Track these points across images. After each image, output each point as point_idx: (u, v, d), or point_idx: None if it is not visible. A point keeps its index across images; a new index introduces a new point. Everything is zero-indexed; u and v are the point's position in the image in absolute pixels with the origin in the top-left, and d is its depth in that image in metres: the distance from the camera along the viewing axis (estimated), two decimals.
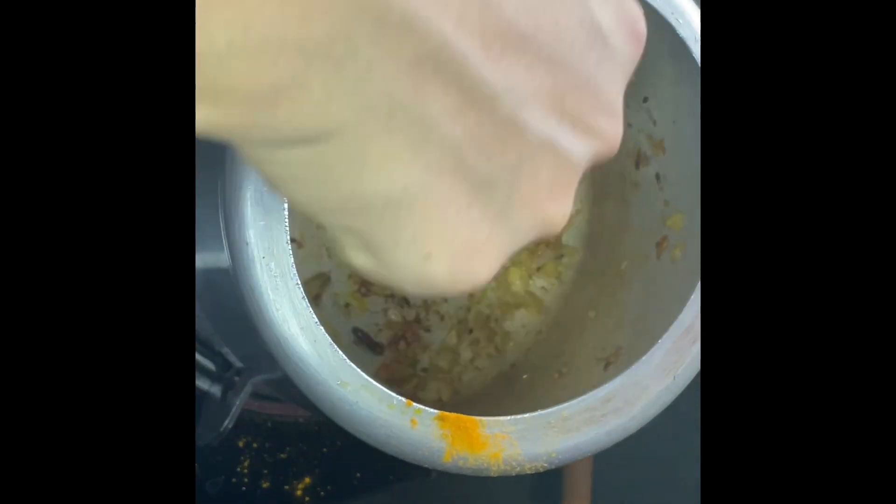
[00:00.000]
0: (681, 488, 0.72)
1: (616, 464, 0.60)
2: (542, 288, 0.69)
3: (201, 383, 0.61)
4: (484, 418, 0.49)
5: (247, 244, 0.45)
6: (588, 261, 0.67)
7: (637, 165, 0.63)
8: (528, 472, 0.50)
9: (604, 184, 0.67)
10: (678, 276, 0.57)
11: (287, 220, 0.46)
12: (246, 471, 0.71)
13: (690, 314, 0.53)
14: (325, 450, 0.72)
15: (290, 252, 0.46)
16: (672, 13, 0.53)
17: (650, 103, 0.61)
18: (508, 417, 0.49)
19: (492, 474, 0.50)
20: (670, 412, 0.54)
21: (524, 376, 0.65)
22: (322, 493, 0.72)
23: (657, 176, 0.62)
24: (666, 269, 0.59)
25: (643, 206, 0.63)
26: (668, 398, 0.52)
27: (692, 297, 0.53)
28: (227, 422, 0.56)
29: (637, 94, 0.61)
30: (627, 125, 0.63)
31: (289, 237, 0.46)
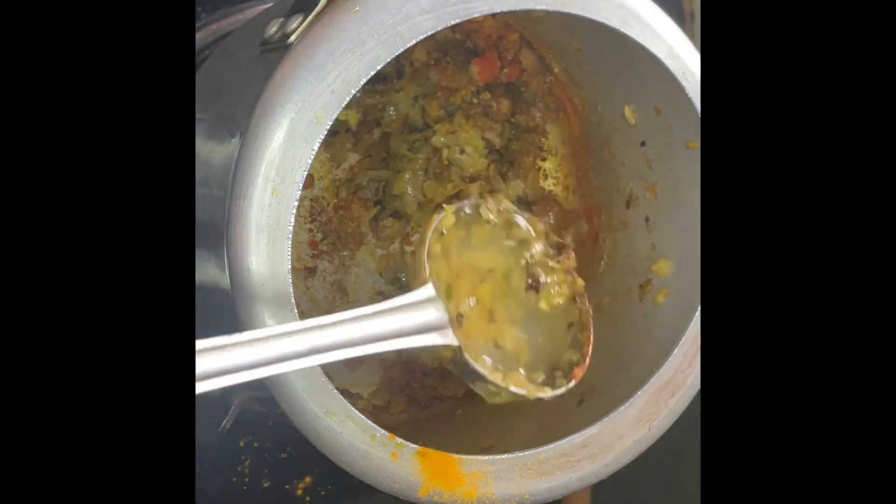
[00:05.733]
0: (681, 489, 0.73)
1: None
2: None
3: None
4: (463, 456, 0.50)
5: (248, 270, 0.46)
6: None
7: (627, 205, 0.64)
8: None
9: (584, 223, 0.68)
10: (660, 324, 0.58)
11: (289, 249, 0.46)
12: (246, 470, 0.71)
13: (671, 368, 0.54)
14: None
15: (290, 281, 0.46)
16: (677, 67, 0.54)
17: (647, 147, 0.61)
18: (486, 457, 0.50)
19: None
20: None
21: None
22: (322, 492, 0.72)
23: (646, 218, 0.63)
24: (647, 313, 0.60)
25: (629, 246, 0.64)
26: (642, 447, 0.53)
27: (675, 351, 0.54)
28: (225, 421, 0.56)
29: (636, 137, 0.62)
30: (622, 164, 0.64)
31: (290, 266, 0.46)
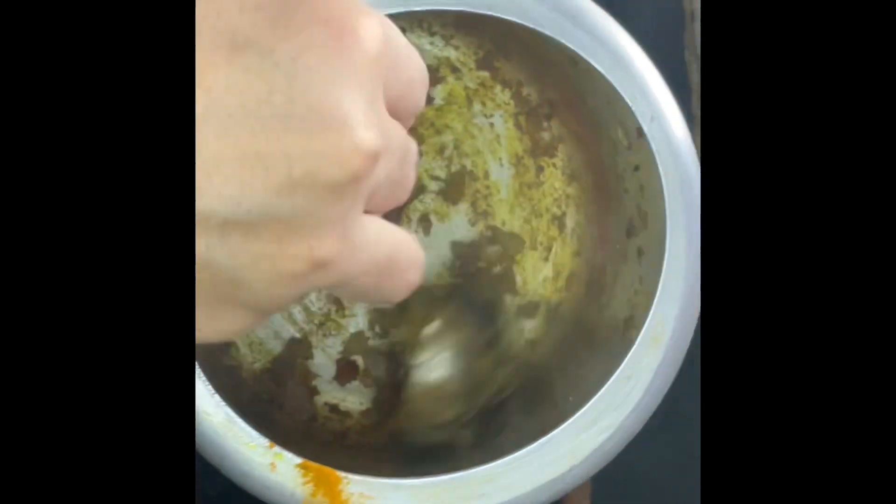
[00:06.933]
0: (681, 490, 0.69)
1: (616, 464, 0.59)
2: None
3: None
4: (349, 475, 0.47)
5: None
6: (566, 324, 0.64)
7: (628, 234, 0.60)
8: None
9: (599, 251, 0.64)
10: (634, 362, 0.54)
11: None
12: None
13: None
14: None
15: None
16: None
17: (639, 171, 0.57)
18: (374, 479, 0.48)
19: None
20: (670, 412, 0.53)
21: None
22: None
23: (639, 250, 0.58)
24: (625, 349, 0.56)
25: (625, 280, 0.60)
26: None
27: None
28: None
29: (632, 160, 0.58)
30: (624, 190, 0.60)
31: None
